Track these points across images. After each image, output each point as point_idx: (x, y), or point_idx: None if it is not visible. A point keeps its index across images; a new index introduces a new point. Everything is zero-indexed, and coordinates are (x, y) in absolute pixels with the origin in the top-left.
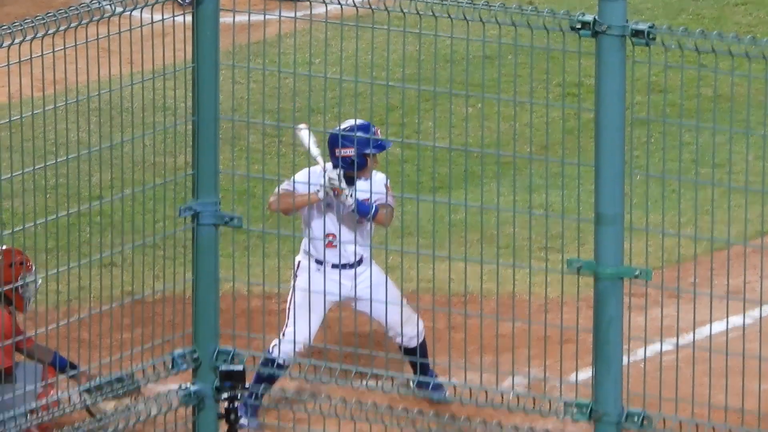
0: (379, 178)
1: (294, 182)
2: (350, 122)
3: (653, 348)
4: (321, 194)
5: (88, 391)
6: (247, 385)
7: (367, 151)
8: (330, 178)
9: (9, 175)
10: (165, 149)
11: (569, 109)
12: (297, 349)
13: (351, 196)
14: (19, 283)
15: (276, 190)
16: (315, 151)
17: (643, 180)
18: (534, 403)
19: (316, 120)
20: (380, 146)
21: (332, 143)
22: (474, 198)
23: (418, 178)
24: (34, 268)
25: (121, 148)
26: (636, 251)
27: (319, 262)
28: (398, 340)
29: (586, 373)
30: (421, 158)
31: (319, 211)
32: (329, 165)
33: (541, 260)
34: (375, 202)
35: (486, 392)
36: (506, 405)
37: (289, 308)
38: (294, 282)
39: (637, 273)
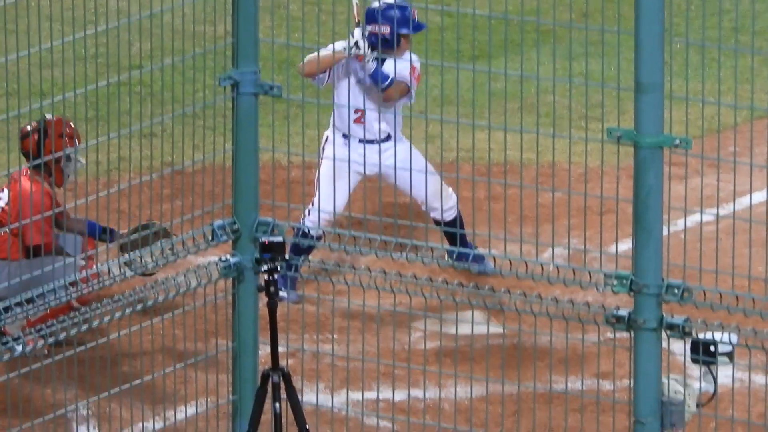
0: (407, 57)
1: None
2: (388, 1)
3: (693, 218)
4: (344, 51)
5: (128, 263)
6: (287, 257)
7: (403, 31)
8: (355, 40)
9: (49, 44)
10: (205, 18)
11: None
12: (325, 218)
13: (371, 60)
14: (57, 155)
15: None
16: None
17: (682, 48)
18: (574, 275)
19: None
20: (416, 27)
21: (368, 19)
22: (514, 66)
23: (458, 46)
24: (78, 144)
25: (161, 16)
26: (676, 120)
27: (345, 136)
28: (433, 214)
29: (626, 245)
30: (460, 26)
31: (348, 84)
32: (357, 30)
33: (581, 129)
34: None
35: (526, 263)
36: (546, 276)
37: (316, 179)
38: (321, 154)
39: (677, 142)
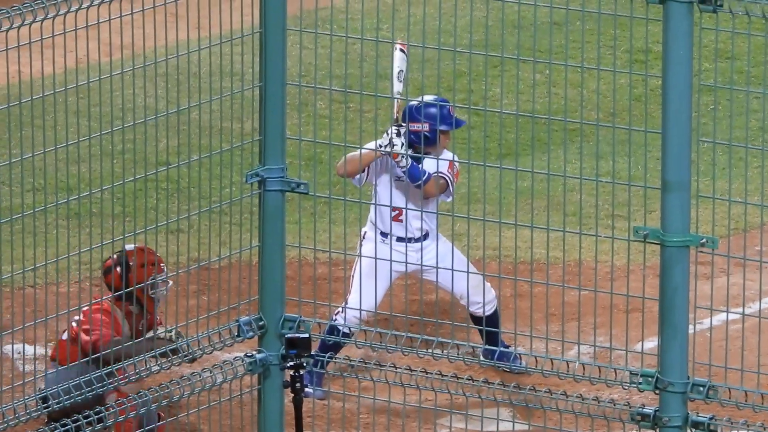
0: (447, 154)
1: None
2: (428, 98)
3: (719, 317)
4: (383, 148)
5: (164, 354)
6: (312, 353)
7: (443, 128)
8: (390, 137)
9: (76, 141)
10: (232, 115)
11: (637, 75)
12: (361, 318)
13: (405, 158)
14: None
15: (343, 156)
16: (397, 85)
17: (709, 147)
18: (599, 373)
19: (383, 86)
20: (456, 123)
21: (408, 117)
22: (541, 165)
23: (485, 145)
24: (165, 270)
25: (188, 113)
26: (703, 219)
27: (384, 234)
28: (473, 308)
29: (652, 342)
30: (488, 124)
31: (388, 183)
32: (393, 127)
33: (608, 228)
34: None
35: (551, 361)
36: (572, 374)
37: (353, 276)
38: (360, 251)
39: (703, 241)
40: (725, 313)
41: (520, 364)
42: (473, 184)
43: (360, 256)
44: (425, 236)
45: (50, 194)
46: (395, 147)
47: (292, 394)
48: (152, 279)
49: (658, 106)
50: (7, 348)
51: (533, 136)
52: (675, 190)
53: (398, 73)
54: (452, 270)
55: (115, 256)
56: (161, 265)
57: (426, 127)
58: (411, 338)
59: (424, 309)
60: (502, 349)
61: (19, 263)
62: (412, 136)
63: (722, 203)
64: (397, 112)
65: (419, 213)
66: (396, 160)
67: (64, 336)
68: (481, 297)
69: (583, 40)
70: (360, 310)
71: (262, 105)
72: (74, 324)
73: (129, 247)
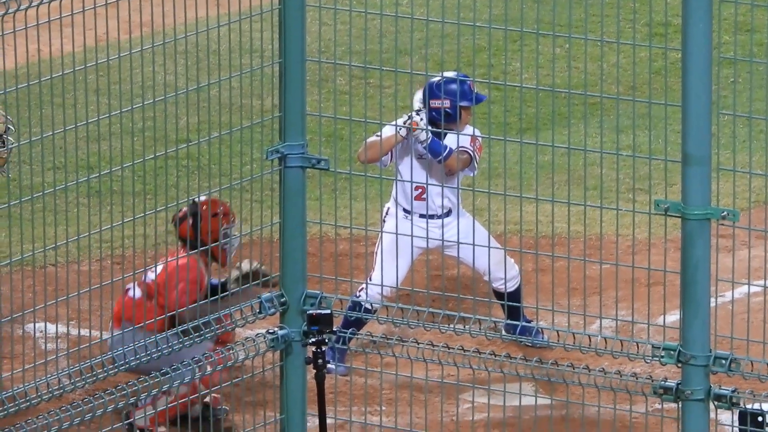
0: (468, 130)
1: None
2: (448, 74)
3: (741, 290)
4: (403, 132)
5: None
6: (334, 329)
7: (464, 104)
8: (410, 117)
9: (96, 119)
10: (252, 91)
11: (657, 49)
12: (384, 294)
13: (426, 131)
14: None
15: (364, 142)
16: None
17: (730, 120)
18: (621, 346)
19: (404, 61)
20: (477, 99)
21: (429, 94)
22: (561, 139)
23: (505, 119)
24: (236, 221)
25: (208, 90)
26: (723, 192)
27: (407, 211)
28: (496, 284)
29: (674, 316)
30: (508, 99)
31: (409, 162)
32: (415, 111)
33: (629, 201)
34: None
35: (573, 335)
36: (594, 348)
37: (376, 253)
38: (382, 227)
39: (724, 214)
40: (747, 286)
41: (542, 338)
42: (494, 158)
43: (382, 232)
44: (448, 213)
45: (71, 173)
46: (414, 117)
47: (314, 371)
48: (224, 228)
49: (678, 80)
50: (29, 327)
51: (553, 111)
52: (696, 164)
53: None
54: (473, 245)
55: (186, 208)
56: (233, 216)
57: (447, 103)
58: (433, 314)
59: (446, 284)
60: (524, 323)
61: (41, 242)
62: (433, 113)
63: (743, 176)
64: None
65: (441, 191)
66: (415, 133)
67: (132, 293)
68: (503, 273)
69: (602, 14)
70: (382, 286)
71: (282, 82)
72: (150, 280)
73: (200, 198)
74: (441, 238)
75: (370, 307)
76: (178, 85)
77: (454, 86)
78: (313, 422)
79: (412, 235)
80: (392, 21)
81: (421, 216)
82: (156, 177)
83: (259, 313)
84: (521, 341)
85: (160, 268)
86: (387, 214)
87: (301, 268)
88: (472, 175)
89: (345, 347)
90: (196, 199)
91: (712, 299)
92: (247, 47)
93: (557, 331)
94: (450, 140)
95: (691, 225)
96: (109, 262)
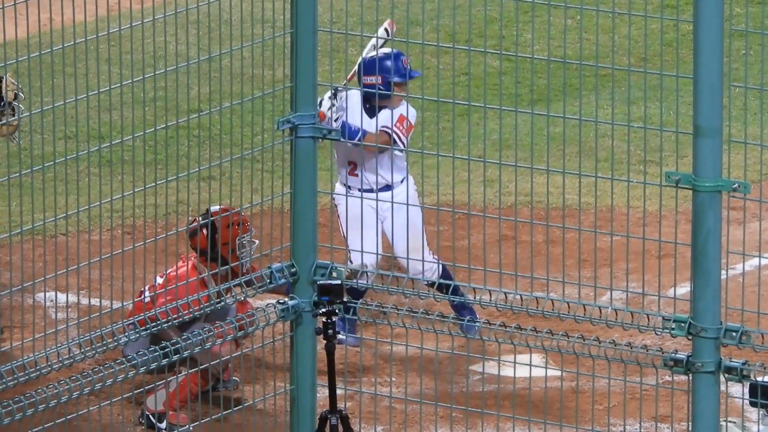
0: (398, 108)
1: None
2: (383, 51)
3: (751, 262)
4: (326, 111)
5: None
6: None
7: (395, 80)
8: (321, 99)
9: (107, 88)
10: (264, 62)
11: (668, 20)
12: (366, 262)
13: (335, 120)
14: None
15: None
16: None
17: (741, 92)
18: (632, 318)
19: (415, 32)
20: (407, 75)
21: (364, 70)
22: (572, 110)
23: (517, 91)
24: (251, 230)
25: (219, 60)
26: (734, 164)
27: (347, 186)
28: (416, 276)
29: (684, 288)
30: (519, 70)
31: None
32: (330, 92)
33: (640, 173)
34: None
35: (584, 307)
36: (604, 320)
37: (343, 237)
38: (337, 211)
39: (735, 186)
40: (758, 258)
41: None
42: (505, 130)
43: (339, 216)
44: (384, 188)
45: (82, 142)
46: (321, 108)
47: (325, 341)
48: (239, 239)
49: (690, 51)
50: (40, 296)
51: (565, 82)
52: (707, 135)
53: (371, 46)
54: (406, 224)
55: (200, 217)
56: (246, 224)
57: (379, 80)
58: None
59: (456, 255)
60: (462, 299)
61: (52, 211)
62: (368, 89)
63: (754, 148)
64: (351, 74)
65: (374, 167)
66: (322, 121)
67: (145, 297)
68: (422, 265)
69: None
70: (363, 256)
71: (294, 52)
72: (158, 284)
73: (214, 208)
74: (376, 212)
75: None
76: (190, 55)
77: (387, 63)
78: (323, 393)
79: (351, 210)
80: None
81: (359, 190)
82: (167, 147)
83: (270, 283)
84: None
85: (169, 272)
86: (335, 193)
87: (312, 238)
88: (400, 152)
89: (355, 317)
90: (211, 209)
91: (723, 272)
92: (258, 17)
93: (568, 303)
94: (383, 116)
95: (702, 197)
96: (120, 232)
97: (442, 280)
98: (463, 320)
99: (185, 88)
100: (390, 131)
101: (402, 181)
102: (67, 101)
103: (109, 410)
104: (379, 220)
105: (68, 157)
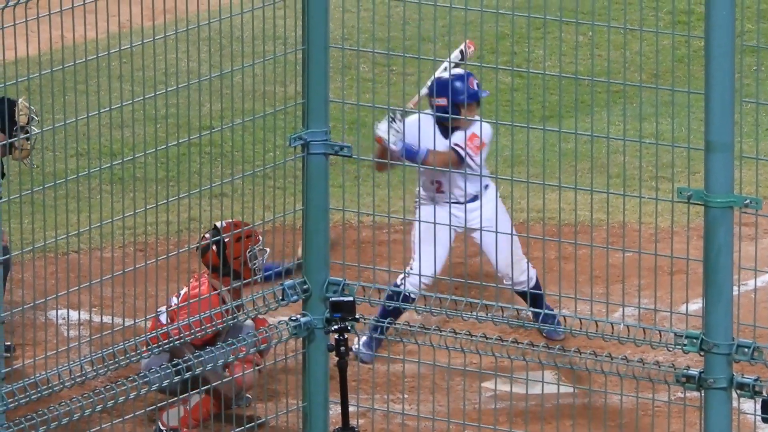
0: (470, 128)
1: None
2: (453, 72)
3: (763, 278)
4: (385, 138)
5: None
6: (358, 317)
7: (462, 101)
8: (379, 128)
9: (119, 105)
10: (275, 78)
11: (680, 36)
12: (424, 282)
13: (394, 143)
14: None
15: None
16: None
17: (753, 108)
18: (644, 334)
19: (426, 48)
20: (472, 96)
21: (429, 92)
22: (584, 127)
23: (529, 107)
24: (261, 240)
25: (231, 77)
26: (746, 180)
27: (433, 200)
28: (505, 282)
29: (696, 304)
30: (531, 87)
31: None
32: (385, 121)
33: (652, 189)
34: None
35: (596, 323)
36: (616, 336)
37: (413, 242)
38: (419, 215)
39: (747, 202)
40: None
41: (560, 331)
42: (517, 146)
43: (418, 221)
44: (472, 199)
45: (94, 159)
46: (379, 132)
47: (337, 358)
48: (249, 251)
49: (701, 67)
50: (52, 313)
51: (576, 98)
52: (718, 151)
53: (443, 68)
54: (496, 233)
55: (208, 234)
56: (257, 236)
57: (444, 101)
58: (455, 301)
59: (468, 271)
60: (546, 311)
61: (64, 229)
62: (437, 111)
63: (766, 164)
64: (413, 104)
65: (460, 181)
66: (381, 144)
67: (161, 318)
68: (523, 275)
69: (625, 2)
70: (420, 275)
71: (305, 68)
72: (174, 304)
73: (220, 223)
74: (464, 225)
75: (408, 296)
76: (202, 72)
77: (457, 84)
78: (335, 410)
79: (435, 222)
80: (415, 8)
81: (445, 203)
82: (179, 164)
83: (282, 299)
84: (543, 330)
85: (183, 293)
86: (418, 202)
87: (324, 255)
88: (475, 168)
89: (382, 336)
90: (218, 225)
91: (735, 287)
92: (270, 34)
93: (580, 319)
94: (457, 137)
95: (714, 213)
96: (132, 249)
97: (533, 291)
98: (549, 326)
99: (197, 105)
100: (459, 149)
101: (486, 188)
102: (79, 118)
103: (121, 428)
104: (450, 239)
105: (80, 174)
